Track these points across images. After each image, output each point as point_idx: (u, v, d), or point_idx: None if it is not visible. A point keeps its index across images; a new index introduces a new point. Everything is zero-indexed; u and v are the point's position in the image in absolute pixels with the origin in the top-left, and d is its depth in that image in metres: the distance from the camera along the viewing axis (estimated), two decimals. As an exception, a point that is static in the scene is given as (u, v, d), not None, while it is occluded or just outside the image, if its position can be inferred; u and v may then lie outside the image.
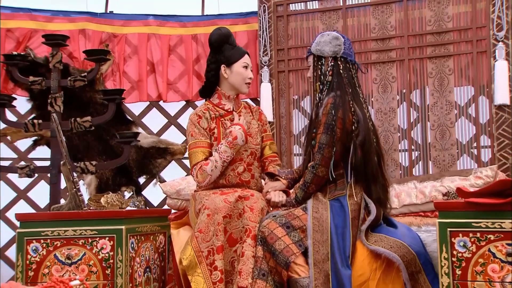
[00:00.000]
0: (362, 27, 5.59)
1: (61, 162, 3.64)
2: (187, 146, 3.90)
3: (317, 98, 3.69)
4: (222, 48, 3.92)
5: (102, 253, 3.35)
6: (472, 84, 5.27)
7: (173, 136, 6.16)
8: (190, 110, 6.19)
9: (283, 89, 5.77)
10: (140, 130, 5.94)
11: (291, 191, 3.73)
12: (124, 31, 6.15)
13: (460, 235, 2.91)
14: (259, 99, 5.97)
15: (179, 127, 6.20)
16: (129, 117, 6.10)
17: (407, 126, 5.42)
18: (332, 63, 3.65)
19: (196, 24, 6.20)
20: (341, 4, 5.67)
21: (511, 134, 5.05)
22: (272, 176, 3.84)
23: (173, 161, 6.12)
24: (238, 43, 6.04)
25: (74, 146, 5.80)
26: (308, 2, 5.78)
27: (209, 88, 4.02)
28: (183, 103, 6.21)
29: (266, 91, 5.70)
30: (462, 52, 5.29)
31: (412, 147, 5.39)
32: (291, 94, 5.77)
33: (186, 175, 5.96)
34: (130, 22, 6.18)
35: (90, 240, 3.37)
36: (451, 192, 3.17)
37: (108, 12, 6.33)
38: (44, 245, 3.39)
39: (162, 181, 6.01)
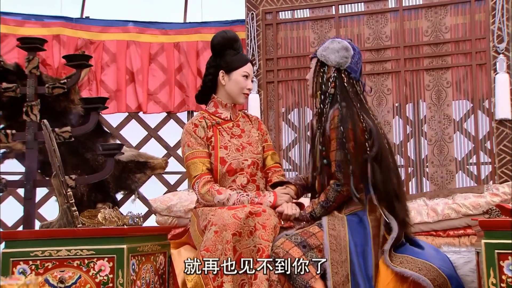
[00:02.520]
0: (356, 37, 5.35)
1: (53, 174, 3.26)
2: (184, 157, 3.55)
3: (319, 109, 3.38)
4: (224, 53, 3.60)
5: (100, 276, 2.97)
6: (471, 97, 5.07)
7: (154, 150, 5.83)
8: (171, 122, 5.89)
9: (272, 100, 5.49)
10: (118, 143, 5.57)
11: (306, 205, 3.41)
12: (101, 38, 5.82)
13: (510, 258, 2.62)
14: (246, 111, 5.68)
15: (160, 140, 5.88)
16: (106, 129, 5.73)
17: (402, 139, 5.18)
18: (335, 74, 3.35)
19: (178, 32, 5.90)
20: (334, 12, 5.43)
21: (513, 150, 4.87)
22: (275, 186, 3.51)
23: (153, 176, 5.78)
24: (223, 52, 5.80)
25: (45, 159, 5.39)
26: (298, 10, 5.52)
27: (206, 94, 3.70)
28: (164, 114, 5.91)
29: (254, 102, 5.40)
30: (460, 64, 5.10)
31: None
32: (280, 106, 5.49)
33: (165, 192, 5.65)
34: (108, 28, 5.85)
35: (86, 261, 2.97)
36: (493, 209, 2.89)
37: (84, 17, 5.97)
38: (33, 267, 2.98)
39: (141, 197, 5.66)
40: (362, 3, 5.38)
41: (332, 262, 3.06)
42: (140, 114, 5.88)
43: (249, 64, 3.64)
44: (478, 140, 5.03)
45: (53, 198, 5.63)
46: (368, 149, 3.20)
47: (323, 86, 3.33)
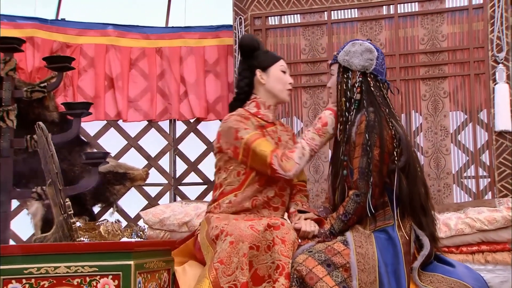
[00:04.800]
0: (349, 45, 5.13)
1: (47, 182, 2.94)
2: (244, 141, 3.12)
3: (343, 117, 3.14)
4: (254, 54, 3.35)
5: (104, 296, 2.67)
6: (469, 108, 4.89)
7: (134, 160, 5.55)
8: (152, 131, 5.61)
9: (260, 109, 5.22)
10: (102, 151, 5.24)
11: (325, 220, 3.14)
12: (79, 41, 5.50)
13: None
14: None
15: (140, 150, 5.58)
16: (83, 138, 5.40)
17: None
18: (361, 79, 3.13)
19: (160, 37, 5.62)
20: (326, 18, 5.22)
21: (513, 163, 4.70)
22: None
23: (132, 188, 5.47)
24: (207, 58, 5.55)
25: (18, 170, 5.03)
26: (289, 16, 5.29)
27: (242, 100, 3.39)
28: (145, 123, 5.63)
29: (242, 111, 5.12)
30: (458, 73, 4.93)
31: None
32: (269, 115, 5.22)
33: (145, 205, 5.34)
34: (85, 31, 5.54)
35: (88, 279, 2.65)
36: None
37: (59, 19, 5.63)
38: (27, 285, 2.65)
39: (119, 210, 5.33)
40: (356, 9, 5.19)
41: (359, 283, 2.81)
42: (120, 122, 5.59)
43: (282, 60, 3.37)
44: (477, 153, 4.85)
45: (25, 211, 5.27)
46: (395, 158, 2.97)
47: (349, 93, 3.11)
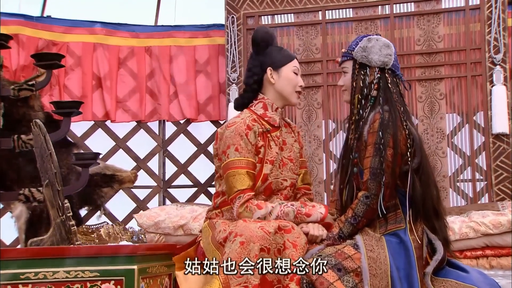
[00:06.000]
0: (343, 45, 5.03)
1: (44, 183, 2.79)
2: (226, 162, 3.01)
3: (356, 115, 3.03)
4: (268, 50, 3.20)
5: (105, 303, 2.53)
6: (466, 110, 4.82)
7: (122, 162, 5.39)
8: (141, 132, 5.46)
9: (253, 110, 5.11)
10: (93, 152, 5.07)
11: (334, 224, 3.02)
12: (65, 39, 5.35)
13: None
14: (221, 121, 5.31)
15: (129, 151, 5.44)
16: (69, 138, 5.23)
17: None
18: (379, 75, 3.02)
19: (149, 35, 5.49)
20: (320, 18, 5.12)
21: (511, 166, 4.63)
22: None
23: (121, 191, 5.31)
24: (198, 58, 5.43)
25: (2, 171, 4.86)
26: (282, 15, 5.18)
27: (250, 98, 3.24)
28: (134, 124, 5.49)
29: (235, 112, 4.99)
30: (454, 75, 4.86)
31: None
32: (262, 117, 5.11)
33: (134, 208, 5.19)
34: (72, 29, 5.39)
35: (88, 285, 2.52)
36: None
37: (45, 16, 5.48)
38: (24, 292, 2.54)
39: (107, 213, 5.18)
40: (351, 9, 5.10)
41: None
42: (108, 123, 5.44)
43: (296, 60, 3.22)
44: (473, 155, 4.79)
45: (8, 214, 5.09)
46: (409, 159, 2.87)
47: (366, 90, 2.99)
